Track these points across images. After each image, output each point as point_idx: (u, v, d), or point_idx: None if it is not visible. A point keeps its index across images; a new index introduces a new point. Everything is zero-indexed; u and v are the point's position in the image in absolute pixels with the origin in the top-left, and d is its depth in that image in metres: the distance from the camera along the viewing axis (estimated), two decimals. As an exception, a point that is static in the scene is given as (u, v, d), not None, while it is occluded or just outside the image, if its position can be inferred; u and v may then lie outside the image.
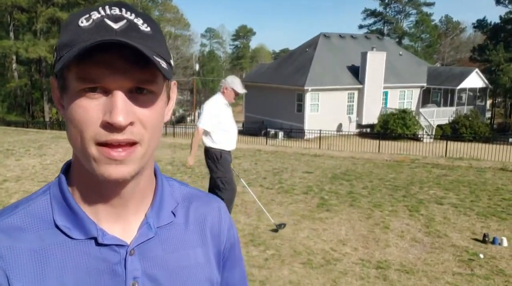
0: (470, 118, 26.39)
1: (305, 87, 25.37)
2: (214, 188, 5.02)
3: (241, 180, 6.19)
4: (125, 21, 0.62)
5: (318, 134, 19.78)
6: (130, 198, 0.70)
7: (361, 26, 61.15)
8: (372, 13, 59.53)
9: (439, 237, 5.52)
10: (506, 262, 4.76)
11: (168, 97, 0.72)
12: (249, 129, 25.29)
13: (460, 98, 30.45)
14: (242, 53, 79.99)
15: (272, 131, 24.70)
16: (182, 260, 0.74)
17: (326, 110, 26.28)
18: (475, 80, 29.89)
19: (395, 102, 28.78)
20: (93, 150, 0.62)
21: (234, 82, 4.90)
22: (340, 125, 26.67)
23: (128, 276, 0.68)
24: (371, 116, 27.30)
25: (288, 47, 75.77)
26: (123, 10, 0.63)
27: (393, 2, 58.22)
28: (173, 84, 0.74)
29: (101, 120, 0.61)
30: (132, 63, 0.60)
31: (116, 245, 0.68)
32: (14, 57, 35.70)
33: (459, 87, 29.11)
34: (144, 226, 0.71)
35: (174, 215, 0.76)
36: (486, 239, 5.33)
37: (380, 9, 59.01)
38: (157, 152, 12.34)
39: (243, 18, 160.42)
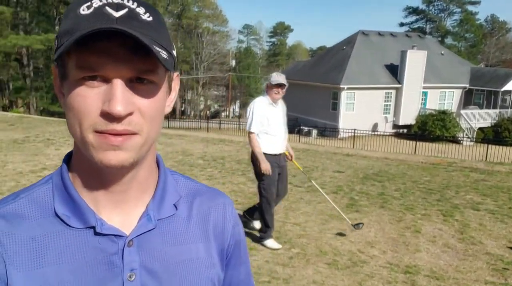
0: (514, 122, 25.26)
1: (341, 86, 25.06)
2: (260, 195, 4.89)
3: (312, 182, 6.27)
4: (126, 9, 0.61)
5: (352, 134, 19.50)
6: (130, 186, 0.70)
7: (402, 24, 59.80)
8: (414, 11, 58.07)
9: (473, 244, 5.31)
10: (543, 273, 4.52)
11: (170, 88, 0.71)
12: (282, 127, 25.18)
13: (503, 100, 29.22)
14: (279, 50, 79.77)
15: (306, 129, 24.56)
16: (182, 254, 0.73)
17: (361, 110, 25.85)
18: (520, 82, 28.58)
19: (434, 103, 27.97)
20: (91, 137, 0.62)
21: (271, 76, 4.65)
22: (375, 125, 26.17)
23: (125, 267, 0.67)
24: (408, 117, 26.64)
25: (325, 45, 75.03)
26: None
27: (436, 0, 56.44)
28: (176, 75, 0.73)
29: (100, 110, 0.60)
30: (132, 52, 0.59)
31: (115, 235, 0.68)
32: (59, 50, 37.02)
33: (503, 89, 27.95)
34: (144, 218, 0.71)
35: (176, 208, 0.75)
36: (523, 246, 5.11)
37: (422, 7, 57.53)
38: (189, 145, 12.52)
39: (280, 14, 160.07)
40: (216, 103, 56.47)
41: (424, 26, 57.58)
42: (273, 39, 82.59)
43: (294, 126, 24.74)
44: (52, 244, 0.66)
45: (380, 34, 30.93)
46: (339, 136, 22.15)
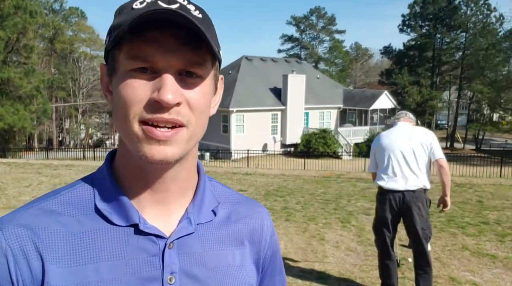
0: (382, 137, 28.41)
1: (230, 109, 25.69)
2: (422, 244, 3.92)
3: None
4: (178, 4, 0.62)
5: (245, 155, 20.04)
6: (172, 186, 0.69)
7: (279, 51, 63.55)
8: (290, 39, 62.20)
9: (370, 245, 5.81)
10: (431, 263, 5.16)
11: (216, 88, 0.71)
12: (174, 152, 24.73)
13: (372, 118, 32.77)
14: (163, 75, 78.86)
15: (199, 153, 24.52)
16: (220, 260, 0.72)
17: (251, 131, 26.77)
18: (385, 101, 32.41)
19: (315, 123, 30.18)
20: (137, 129, 0.61)
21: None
22: (265, 145, 27.28)
23: (166, 270, 0.66)
24: (294, 136, 28.29)
25: (209, 70, 76.13)
26: None
27: (308, 29, 61.44)
28: (220, 78, 0.73)
29: (149, 98, 0.60)
30: (184, 44, 0.60)
31: (156, 235, 0.66)
32: None
33: (371, 108, 31.35)
34: (184, 220, 0.70)
35: (215, 214, 0.74)
36: (412, 244, 5.73)
37: (296, 35, 61.94)
38: (80, 175, 11.72)
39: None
40: (99, 132, 53.36)
41: (300, 52, 62.02)
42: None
43: (186, 151, 24.56)
44: (92, 241, 0.64)
45: (262, 59, 32.59)
46: (232, 158, 22.55)
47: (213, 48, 0.61)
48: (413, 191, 3.83)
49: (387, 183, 3.92)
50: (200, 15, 0.63)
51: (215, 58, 0.66)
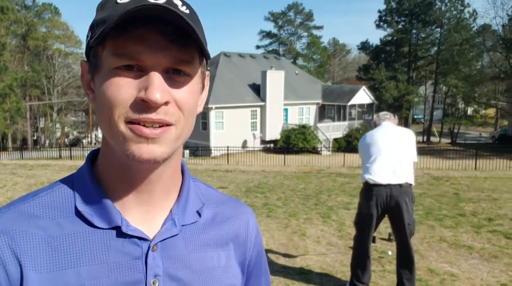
0: (360, 132, 28.71)
1: (209, 105, 25.56)
2: (407, 239, 3.97)
3: None
4: None
5: (225, 152, 19.99)
6: (156, 186, 0.67)
7: (258, 47, 63.45)
8: (268, 35, 62.18)
9: (351, 239, 5.86)
10: (411, 256, 5.24)
11: (203, 85, 0.69)
12: (153, 149, 24.47)
13: (350, 113, 33.09)
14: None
15: (178, 150, 24.31)
16: (205, 262, 0.71)
17: (231, 128, 26.69)
18: (363, 96, 32.77)
19: (295, 118, 30.32)
20: (123, 128, 0.58)
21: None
22: (245, 142, 27.25)
23: (149, 273, 0.64)
24: (274, 132, 28.36)
25: (187, 67, 75.49)
26: None
27: (286, 24, 61.52)
28: (207, 74, 0.72)
29: (135, 98, 0.58)
30: (171, 41, 0.58)
31: (139, 238, 0.64)
32: None
33: (349, 103, 31.65)
34: (168, 222, 0.68)
35: (200, 215, 0.73)
36: (391, 237, 5.78)
37: (274, 31, 61.94)
38: (56, 175, 11.46)
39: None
40: (76, 130, 52.31)
41: (278, 48, 62.02)
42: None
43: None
44: (72, 244, 0.62)
45: (240, 55, 32.51)
46: (211, 155, 22.46)
47: (203, 45, 0.59)
48: (400, 185, 3.85)
49: (374, 176, 3.92)
50: (187, 11, 0.61)
51: (203, 55, 0.64)
